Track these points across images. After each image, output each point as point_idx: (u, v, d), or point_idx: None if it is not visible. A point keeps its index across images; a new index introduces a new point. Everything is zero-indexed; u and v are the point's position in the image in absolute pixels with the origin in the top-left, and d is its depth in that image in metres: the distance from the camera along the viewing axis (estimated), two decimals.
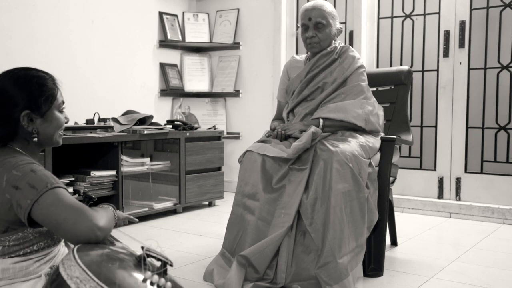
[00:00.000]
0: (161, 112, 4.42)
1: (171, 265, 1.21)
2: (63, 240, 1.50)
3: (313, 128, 2.26)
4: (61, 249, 1.49)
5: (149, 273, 1.14)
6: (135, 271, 1.16)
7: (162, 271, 1.18)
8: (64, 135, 1.57)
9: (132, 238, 1.44)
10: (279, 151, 2.27)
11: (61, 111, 1.51)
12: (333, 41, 2.54)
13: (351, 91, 2.44)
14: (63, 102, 1.52)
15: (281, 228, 2.12)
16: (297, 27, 2.61)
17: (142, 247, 1.20)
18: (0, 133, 1.44)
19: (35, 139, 1.45)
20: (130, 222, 1.75)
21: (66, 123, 1.55)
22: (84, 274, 1.09)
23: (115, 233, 1.41)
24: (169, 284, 1.15)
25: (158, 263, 1.19)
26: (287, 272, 2.10)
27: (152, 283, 1.13)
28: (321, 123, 2.35)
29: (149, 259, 1.18)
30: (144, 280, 1.13)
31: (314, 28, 2.46)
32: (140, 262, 1.18)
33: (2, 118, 1.43)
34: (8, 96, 1.43)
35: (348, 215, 2.11)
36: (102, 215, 1.32)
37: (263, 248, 2.10)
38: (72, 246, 1.54)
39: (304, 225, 2.15)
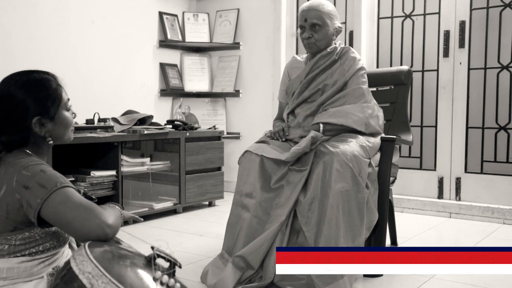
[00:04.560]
0: (161, 112, 4.42)
1: (180, 267, 1.22)
2: (67, 242, 1.51)
3: (312, 133, 2.26)
4: (65, 251, 1.50)
5: (159, 273, 1.15)
6: (144, 270, 1.17)
7: (171, 272, 1.19)
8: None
9: (137, 238, 1.45)
10: (278, 153, 2.27)
11: (68, 110, 1.53)
12: (332, 40, 2.54)
13: (351, 94, 2.43)
14: (68, 100, 1.53)
15: (275, 224, 2.12)
16: (297, 28, 2.61)
17: (152, 247, 1.21)
18: (14, 141, 1.44)
19: (51, 142, 1.48)
20: (135, 221, 1.76)
21: (73, 118, 1.56)
22: (96, 269, 1.10)
23: (119, 233, 1.42)
24: (178, 285, 1.16)
25: (166, 264, 1.20)
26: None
27: (162, 283, 1.14)
28: (321, 129, 2.35)
29: (158, 260, 1.19)
30: (154, 280, 1.13)
31: (310, 29, 2.46)
32: (150, 262, 1.20)
33: (14, 126, 1.44)
34: (16, 104, 1.43)
35: (346, 215, 2.10)
36: (110, 213, 1.34)
37: (259, 246, 2.10)
38: (76, 247, 1.56)
39: (299, 224, 2.15)
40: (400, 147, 3.08)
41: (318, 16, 2.44)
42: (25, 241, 1.38)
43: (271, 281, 2.09)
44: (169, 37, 4.38)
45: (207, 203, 3.97)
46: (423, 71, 3.85)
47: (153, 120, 3.63)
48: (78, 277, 1.10)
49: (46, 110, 1.45)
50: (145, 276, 1.15)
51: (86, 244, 1.19)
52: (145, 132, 3.34)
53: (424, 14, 3.82)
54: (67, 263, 1.15)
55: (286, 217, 2.13)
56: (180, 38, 4.48)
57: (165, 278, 1.15)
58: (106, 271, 1.09)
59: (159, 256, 1.20)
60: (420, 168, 3.85)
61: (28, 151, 1.46)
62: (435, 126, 3.78)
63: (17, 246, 1.37)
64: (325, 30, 2.47)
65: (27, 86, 1.44)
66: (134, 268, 1.16)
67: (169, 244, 2.72)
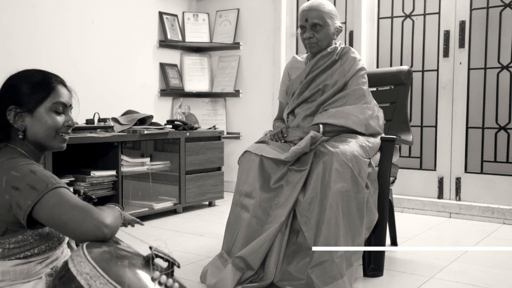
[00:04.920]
0: (161, 112, 4.42)
1: (178, 266, 1.22)
2: (65, 242, 1.50)
3: (312, 133, 2.26)
4: (64, 251, 1.49)
5: (157, 273, 1.15)
6: (143, 270, 1.17)
7: (169, 272, 1.19)
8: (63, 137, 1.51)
9: (136, 237, 1.45)
10: (277, 153, 2.27)
11: (58, 113, 1.46)
12: (333, 40, 2.54)
13: (352, 95, 2.43)
14: (63, 104, 1.47)
15: (275, 224, 2.12)
16: (297, 28, 2.61)
17: (151, 247, 1.21)
18: None
19: (21, 136, 1.43)
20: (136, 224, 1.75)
21: (69, 126, 1.49)
22: (94, 270, 1.10)
23: (118, 233, 1.41)
24: (176, 284, 1.16)
25: (165, 264, 1.20)
26: (277, 269, 2.10)
27: (160, 283, 1.14)
28: (321, 129, 2.35)
29: (156, 260, 1.19)
30: (153, 280, 1.13)
31: (311, 29, 2.46)
32: (148, 262, 1.19)
33: None
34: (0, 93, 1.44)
35: (345, 214, 2.10)
36: (108, 213, 1.32)
37: (259, 247, 2.10)
38: (75, 246, 1.55)
39: (298, 224, 2.15)
40: (400, 147, 3.08)
41: (319, 16, 2.44)
42: (19, 244, 1.36)
43: (271, 281, 2.09)
44: (169, 37, 4.38)
45: (207, 203, 3.97)
46: (423, 71, 3.85)
47: (153, 120, 3.63)
48: (76, 278, 1.10)
49: (24, 101, 1.42)
50: (144, 276, 1.15)
51: (84, 245, 1.18)
52: (145, 132, 3.34)
53: (424, 14, 3.82)
54: (65, 264, 1.15)
55: (286, 217, 2.13)
56: (180, 38, 4.48)
57: (164, 278, 1.14)
58: (104, 271, 1.09)
59: (157, 256, 1.19)
60: (420, 168, 3.85)
61: (20, 149, 1.44)
62: (435, 126, 3.78)
63: (11, 250, 1.35)
64: (326, 30, 2.47)
65: (15, 78, 1.45)
66: (133, 268, 1.15)
67: (168, 244, 2.73)
